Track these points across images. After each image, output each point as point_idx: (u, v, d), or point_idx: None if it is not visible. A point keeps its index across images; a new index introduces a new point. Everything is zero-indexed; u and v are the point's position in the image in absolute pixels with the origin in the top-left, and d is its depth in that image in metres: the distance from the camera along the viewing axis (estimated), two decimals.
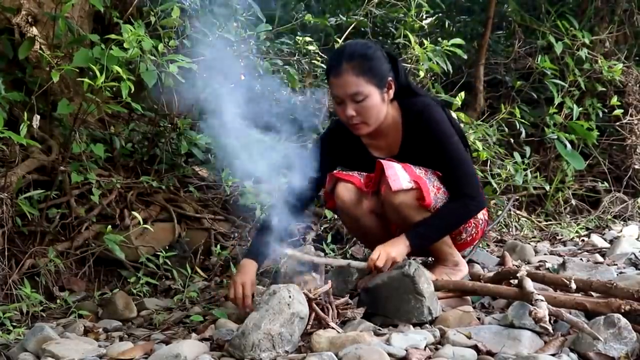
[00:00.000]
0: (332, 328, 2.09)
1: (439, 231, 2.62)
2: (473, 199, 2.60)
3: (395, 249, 2.46)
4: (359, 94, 2.51)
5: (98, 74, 2.77)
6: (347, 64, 2.50)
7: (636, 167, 5.00)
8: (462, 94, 4.01)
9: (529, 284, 2.17)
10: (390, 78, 2.58)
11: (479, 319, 2.23)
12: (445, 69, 4.10)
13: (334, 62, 2.55)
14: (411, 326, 2.15)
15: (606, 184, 4.89)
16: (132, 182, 3.43)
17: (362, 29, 4.82)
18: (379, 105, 2.56)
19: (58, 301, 2.84)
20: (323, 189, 2.81)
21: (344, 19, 5.03)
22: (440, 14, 5.93)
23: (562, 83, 4.63)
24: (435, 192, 2.58)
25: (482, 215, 2.82)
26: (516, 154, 4.36)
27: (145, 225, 2.89)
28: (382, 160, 2.58)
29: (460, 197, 2.59)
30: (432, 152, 2.62)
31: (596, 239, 3.80)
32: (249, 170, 2.62)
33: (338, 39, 4.36)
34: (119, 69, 2.80)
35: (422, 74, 4.06)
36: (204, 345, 2.09)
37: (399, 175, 2.53)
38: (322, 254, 2.59)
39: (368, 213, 2.74)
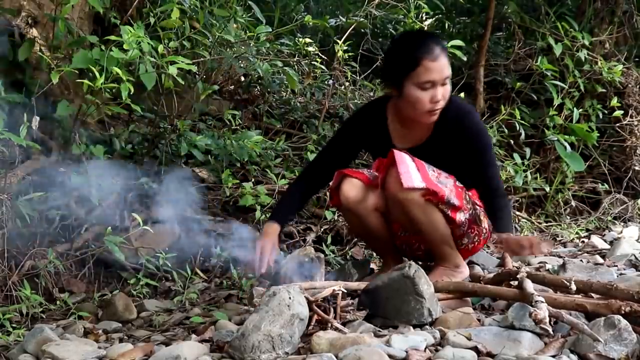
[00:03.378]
0: (337, 328, 2.09)
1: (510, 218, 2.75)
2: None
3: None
4: (448, 77, 2.59)
5: (97, 75, 2.77)
6: (439, 47, 2.56)
7: (636, 168, 5.00)
8: (462, 95, 4.01)
9: (529, 286, 2.17)
10: None
11: (479, 320, 2.23)
12: None
13: (427, 47, 2.56)
14: (411, 327, 2.15)
15: (606, 185, 4.89)
16: (132, 184, 3.42)
17: (362, 30, 4.82)
18: None
19: (58, 302, 2.84)
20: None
21: (344, 20, 5.03)
22: (440, 15, 5.93)
23: (562, 84, 4.63)
24: (449, 192, 2.59)
25: (486, 225, 2.81)
26: (516, 155, 4.37)
27: (145, 227, 2.89)
28: (396, 153, 2.57)
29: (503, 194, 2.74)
30: (468, 157, 2.67)
31: (596, 240, 3.80)
32: None
33: (338, 40, 4.36)
34: (119, 71, 2.80)
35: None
36: (204, 346, 2.09)
37: (412, 174, 2.53)
38: (322, 256, 2.60)
39: (372, 211, 2.75)
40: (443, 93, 2.57)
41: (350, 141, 2.86)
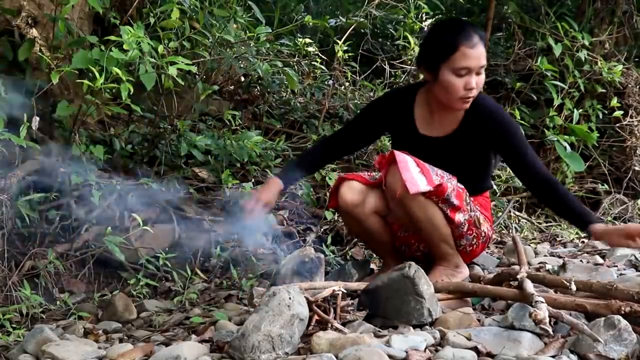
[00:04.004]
0: (337, 329, 2.09)
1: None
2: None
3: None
4: (484, 67, 2.59)
5: (97, 75, 2.77)
6: (477, 36, 2.57)
7: (636, 168, 5.00)
8: None
9: (529, 286, 2.17)
10: None
11: (479, 320, 2.22)
12: None
13: (467, 32, 2.57)
14: (411, 328, 2.14)
15: (606, 185, 4.89)
16: (131, 184, 3.42)
17: (362, 30, 4.82)
18: None
19: (58, 303, 2.84)
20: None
21: (344, 20, 5.03)
22: (440, 15, 5.93)
23: (562, 85, 4.63)
24: (451, 190, 2.59)
25: (486, 229, 2.81)
26: None
27: (145, 227, 2.89)
28: (397, 155, 2.57)
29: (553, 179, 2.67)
30: (505, 154, 2.70)
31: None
32: None
33: (338, 41, 4.36)
34: (118, 71, 2.80)
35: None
36: (204, 346, 2.09)
37: (416, 179, 2.53)
38: (322, 256, 2.60)
39: (370, 214, 2.75)
40: (477, 81, 2.58)
41: (373, 121, 2.88)
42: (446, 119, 2.73)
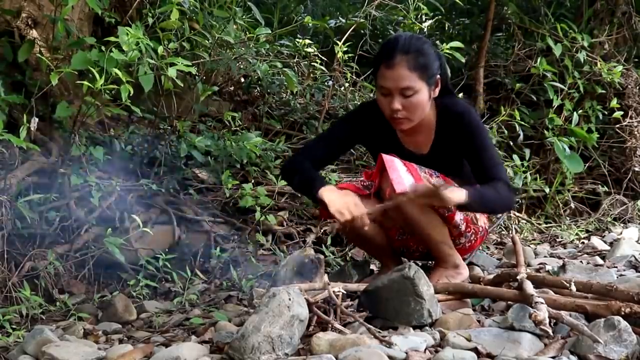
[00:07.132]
0: (338, 329, 2.09)
1: (490, 199, 2.52)
2: (513, 192, 2.58)
3: (452, 190, 2.38)
4: (410, 89, 2.47)
5: (97, 76, 2.77)
6: (401, 56, 2.45)
7: (636, 169, 5.00)
8: (462, 96, 4.01)
9: (529, 287, 2.17)
10: (438, 76, 2.56)
11: (479, 321, 2.22)
12: None
13: (387, 53, 2.49)
14: (411, 329, 2.14)
15: (606, 186, 4.89)
16: (131, 185, 3.43)
17: (362, 31, 4.83)
18: (425, 102, 2.52)
19: (58, 304, 2.84)
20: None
21: (344, 21, 5.03)
22: (439, 16, 5.94)
23: (562, 86, 4.63)
24: None
25: (482, 223, 2.81)
26: (515, 157, 4.36)
27: (144, 228, 2.89)
28: (385, 158, 2.54)
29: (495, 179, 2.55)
30: (467, 155, 2.61)
31: (596, 241, 3.80)
32: None
33: (337, 42, 4.36)
34: (118, 72, 2.79)
35: None
36: (204, 347, 2.09)
37: (403, 178, 2.52)
38: (322, 257, 2.59)
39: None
40: (404, 104, 2.48)
41: (350, 135, 2.77)
42: (421, 134, 2.67)
